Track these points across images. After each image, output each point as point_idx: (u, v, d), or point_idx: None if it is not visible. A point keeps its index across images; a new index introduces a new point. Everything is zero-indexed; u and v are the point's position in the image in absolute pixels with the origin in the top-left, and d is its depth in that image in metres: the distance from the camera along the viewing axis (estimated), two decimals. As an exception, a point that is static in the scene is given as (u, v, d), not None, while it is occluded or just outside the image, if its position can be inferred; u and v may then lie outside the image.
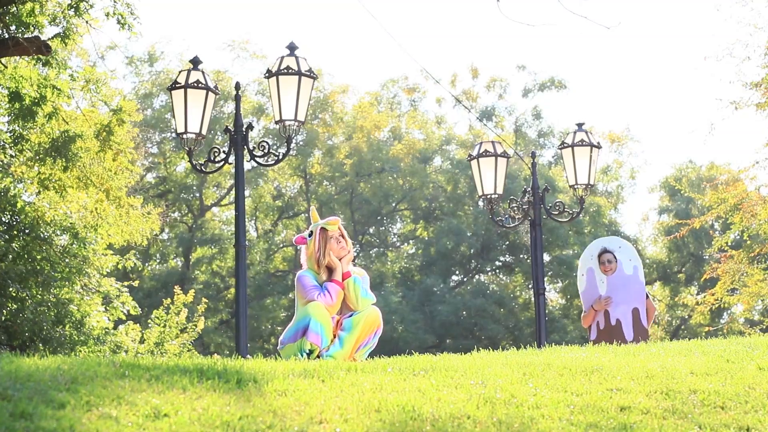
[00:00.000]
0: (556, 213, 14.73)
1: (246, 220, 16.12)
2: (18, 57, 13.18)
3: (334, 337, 6.99)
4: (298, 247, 7.49)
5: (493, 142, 15.03)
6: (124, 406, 4.24)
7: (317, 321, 6.88)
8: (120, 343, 15.34)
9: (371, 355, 7.09)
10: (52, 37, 12.93)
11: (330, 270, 7.24)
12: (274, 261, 36.24)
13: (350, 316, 7.08)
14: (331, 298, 7.07)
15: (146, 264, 33.74)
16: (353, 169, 35.69)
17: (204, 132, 11.57)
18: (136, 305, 15.82)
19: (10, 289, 13.69)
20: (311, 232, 7.30)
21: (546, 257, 34.00)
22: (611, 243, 11.36)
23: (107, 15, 12.69)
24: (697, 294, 33.90)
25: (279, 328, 34.67)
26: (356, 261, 36.35)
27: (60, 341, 13.98)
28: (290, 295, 34.23)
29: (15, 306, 13.82)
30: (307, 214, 35.25)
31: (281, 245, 36.36)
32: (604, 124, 64.23)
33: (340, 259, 7.28)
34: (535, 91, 37.97)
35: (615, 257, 11.12)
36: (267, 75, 11.39)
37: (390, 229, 38.91)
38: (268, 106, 34.26)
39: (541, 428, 4.53)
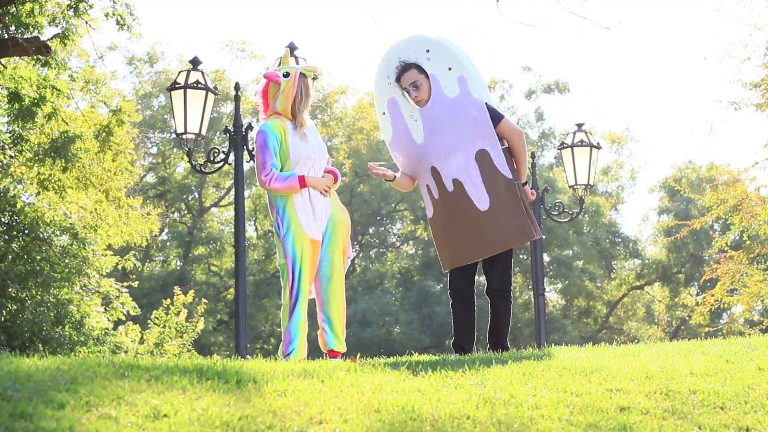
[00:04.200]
0: (556, 213, 14.76)
1: (245, 220, 16.12)
2: (17, 57, 13.19)
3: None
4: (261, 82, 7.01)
5: (492, 142, 15.04)
6: (123, 407, 4.24)
7: (297, 326, 6.88)
8: (119, 343, 15.34)
9: (371, 355, 7.08)
10: (52, 38, 12.94)
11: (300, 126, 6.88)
12: (274, 262, 36.24)
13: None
14: (277, 183, 6.74)
15: (145, 264, 33.73)
16: (352, 169, 35.69)
17: (203, 132, 11.59)
18: (136, 306, 15.82)
19: (10, 289, 13.69)
20: (287, 72, 6.90)
21: (545, 258, 34.01)
22: (411, 49, 6.85)
23: (106, 16, 12.70)
24: (697, 294, 33.91)
25: (278, 329, 34.64)
26: (356, 261, 36.36)
27: (60, 342, 13.98)
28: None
29: (15, 306, 13.82)
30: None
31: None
32: (604, 124, 64.30)
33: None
34: (538, 92, 37.97)
35: (425, 73, 6.79)
36: (267, 75, 11.40)
37: (389, 229, 38.91)
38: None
39: (541, 428, 4.53)
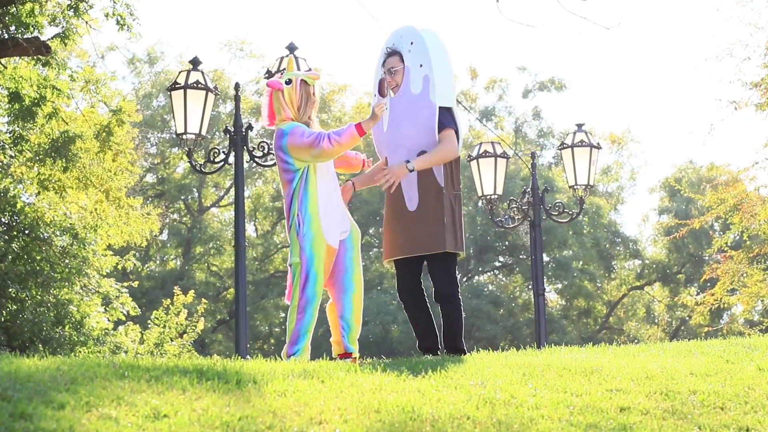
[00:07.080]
0: (556, 213, 14.76)
1: (245, 220, 16.14)
2: (18, 57, 13.18)
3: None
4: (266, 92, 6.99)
5: (492, 142, 15.05)
6: (123, 407, 4.24)
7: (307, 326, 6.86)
8: (119, 343, 15.33)
9: (369, 355, 7.07)
10: (52, 38, 12.94)
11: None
12: (274, 262, 36.22)
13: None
14: (337, 137, 6.75)
15: (145, 265, 33.73)
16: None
17: (203, 132, 11.59)
18: (136, 306, 15.82)
19: (10, 289, 13.69)
20: (289, 80, 6.91)
21: (545, 258, 33.99)
22: (403, 38, 6.97)
23: (106, 16, 12.70)
24: (697, 294, 33.88)
25: (277, 329, 34.63)
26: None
27: (60, 342, 13.98)
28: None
29: (15, 307, 13.82)
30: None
31: (280, 246, 36.35)
32: (604, 124, 64.27)
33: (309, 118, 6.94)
34: (535, 91, 37.94)
35: (403, 61, 6.92)
36: (267, 75, 11.42)
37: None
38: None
39: (541, 429, 4.53)
